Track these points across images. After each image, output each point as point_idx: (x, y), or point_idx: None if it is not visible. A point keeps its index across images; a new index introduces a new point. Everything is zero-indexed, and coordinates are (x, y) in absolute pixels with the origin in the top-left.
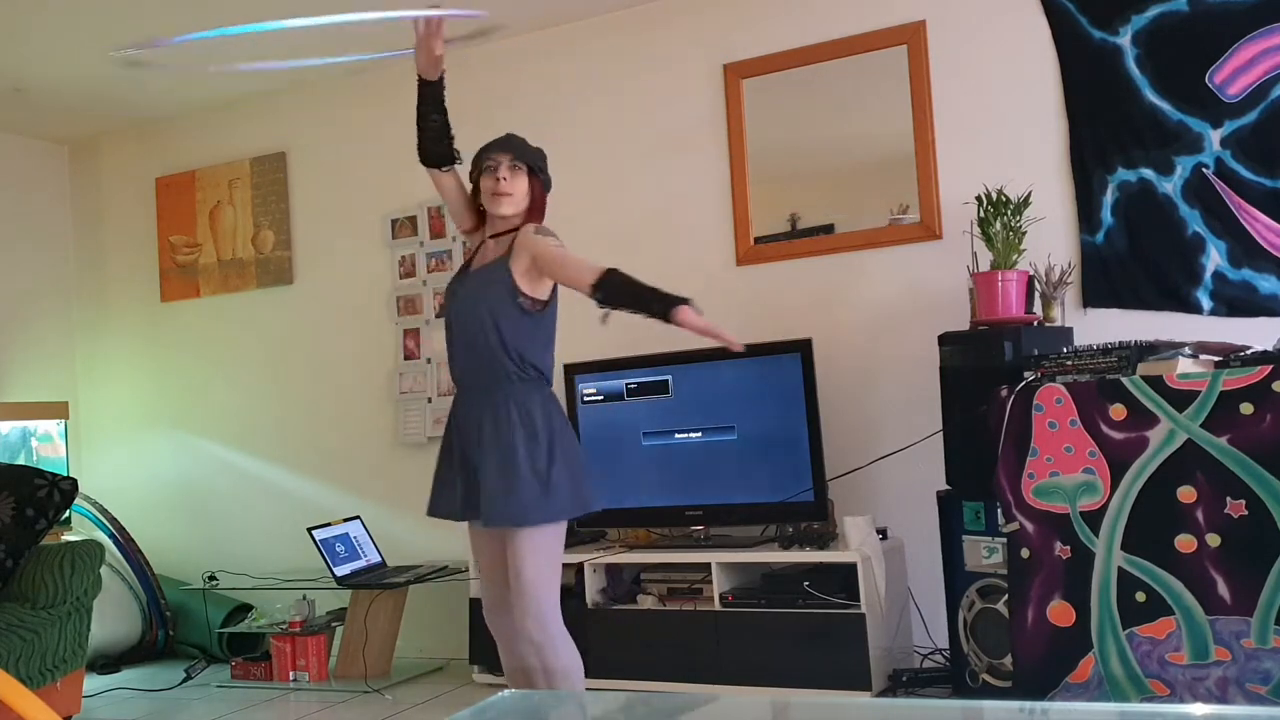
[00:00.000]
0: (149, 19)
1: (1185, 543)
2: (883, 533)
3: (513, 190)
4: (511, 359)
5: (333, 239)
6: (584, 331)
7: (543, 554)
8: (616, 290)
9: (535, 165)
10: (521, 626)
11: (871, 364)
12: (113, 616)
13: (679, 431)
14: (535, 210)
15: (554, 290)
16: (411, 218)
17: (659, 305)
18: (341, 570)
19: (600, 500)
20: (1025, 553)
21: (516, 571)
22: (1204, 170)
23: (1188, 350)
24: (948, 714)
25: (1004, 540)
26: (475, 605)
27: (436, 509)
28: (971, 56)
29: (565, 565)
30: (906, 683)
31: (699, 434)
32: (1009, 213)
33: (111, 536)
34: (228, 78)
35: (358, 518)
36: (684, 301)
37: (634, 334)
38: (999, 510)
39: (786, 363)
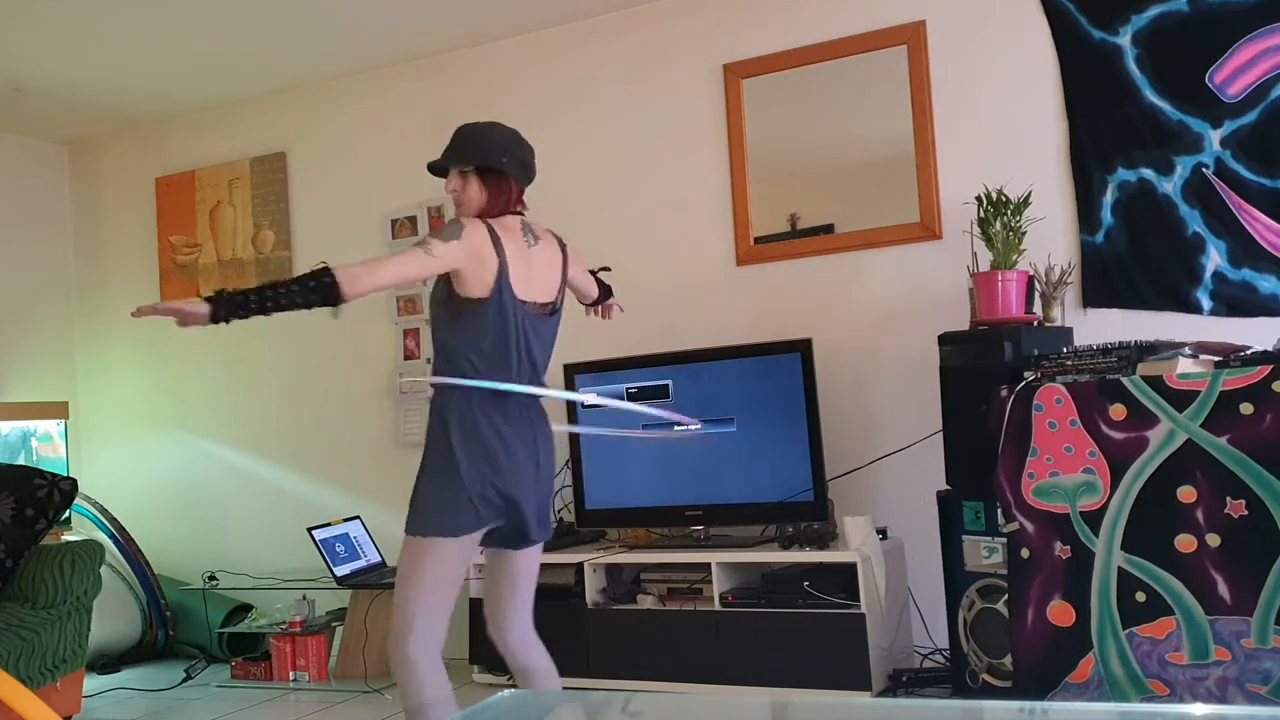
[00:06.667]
0: (148, 19)
1: (1185, 543)
2: (883, 533)
3: (464, 199)
4: (446, 360)
5: (333, 239)
6: (584, 332)
7: (409, 567)
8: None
9: (481, 164)
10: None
11: (871, 364)
12: (113, 616)
13: (678, 425)
14: (492, 206)
15: (496, 285)
16: (411, 218)
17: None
18: (341, 570)
19: (459, 524)
20: (1025, 553)
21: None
22: (1204, 170)
23: (1188, 350)
24: (948, 714)
25: (1004, 540)
26: (475, 606)
27: None
28: (971, 57)
29: (565, 565)
30: (906, 683)
31: (698, 426)
32: (1009, 213)
33: (111, 536)
34: (227, 76)
35: (358, 518)
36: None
37: (634, 334)
38: (999, 510)
39: (786, 363)
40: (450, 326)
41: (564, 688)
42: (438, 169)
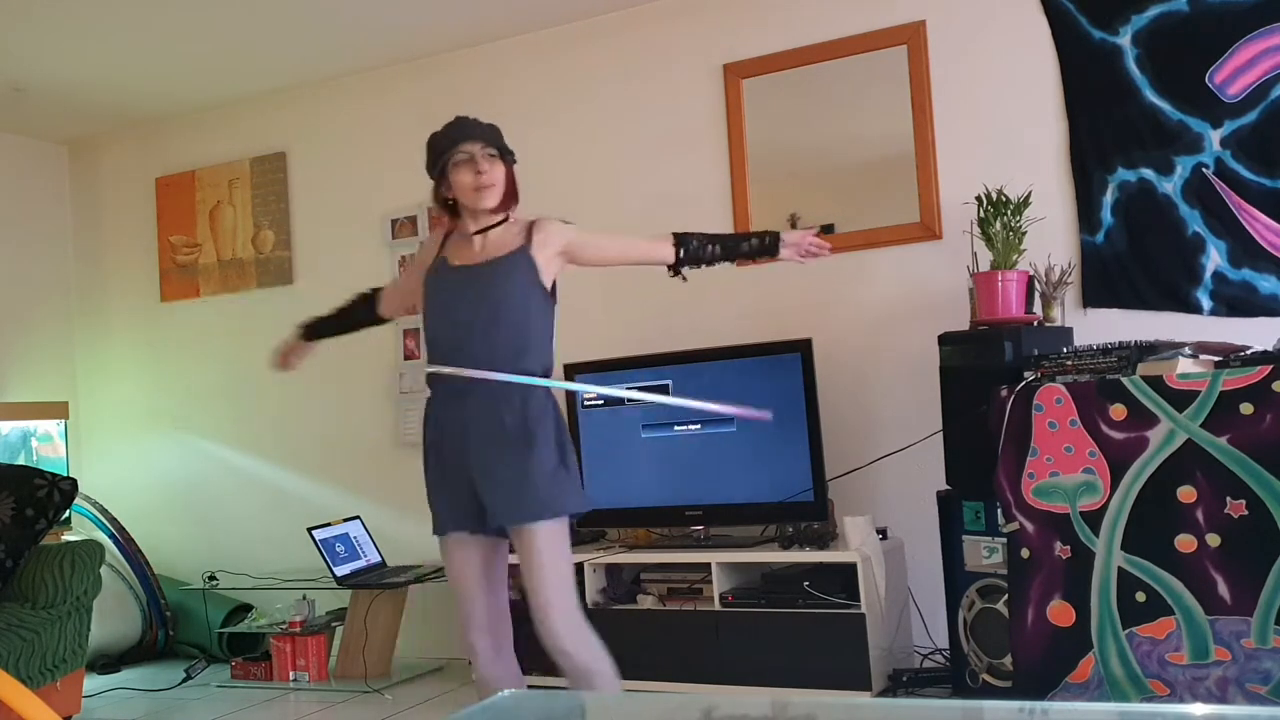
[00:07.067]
0: (148, 19)
1: (1185, 543)
2: (883, 533)
3: (495, 181)
4: (536, 354)
5: (333, 239)
6: (584, 332)
7: (560, 552)
8: (698, 251)
9: (505, 149)
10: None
11: (871, 364)
12: (113, 616)
13: (678, 424)
14: (513, 195)
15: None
16: (411, 218)
17: (753, 243)
18: (341, 570)
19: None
20: (1025, 553)
21: (537, 569)
22: (1204, 170)
23: (1188, 350)
24: (948, 714)
25: (1004, 540)
26: None
27: (448, 525)
28: (971, 57)
29: None
30: (906, 683)
31: (698, 425)
32: (1009, 213)
33: (111, 536)
34: (227, 76)
35: (358, 518)
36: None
37: (634, 334)
38: (999, 510)
39: (786, 363)
40: (542, 317)
41: (564, 688)
42: (480, 134)
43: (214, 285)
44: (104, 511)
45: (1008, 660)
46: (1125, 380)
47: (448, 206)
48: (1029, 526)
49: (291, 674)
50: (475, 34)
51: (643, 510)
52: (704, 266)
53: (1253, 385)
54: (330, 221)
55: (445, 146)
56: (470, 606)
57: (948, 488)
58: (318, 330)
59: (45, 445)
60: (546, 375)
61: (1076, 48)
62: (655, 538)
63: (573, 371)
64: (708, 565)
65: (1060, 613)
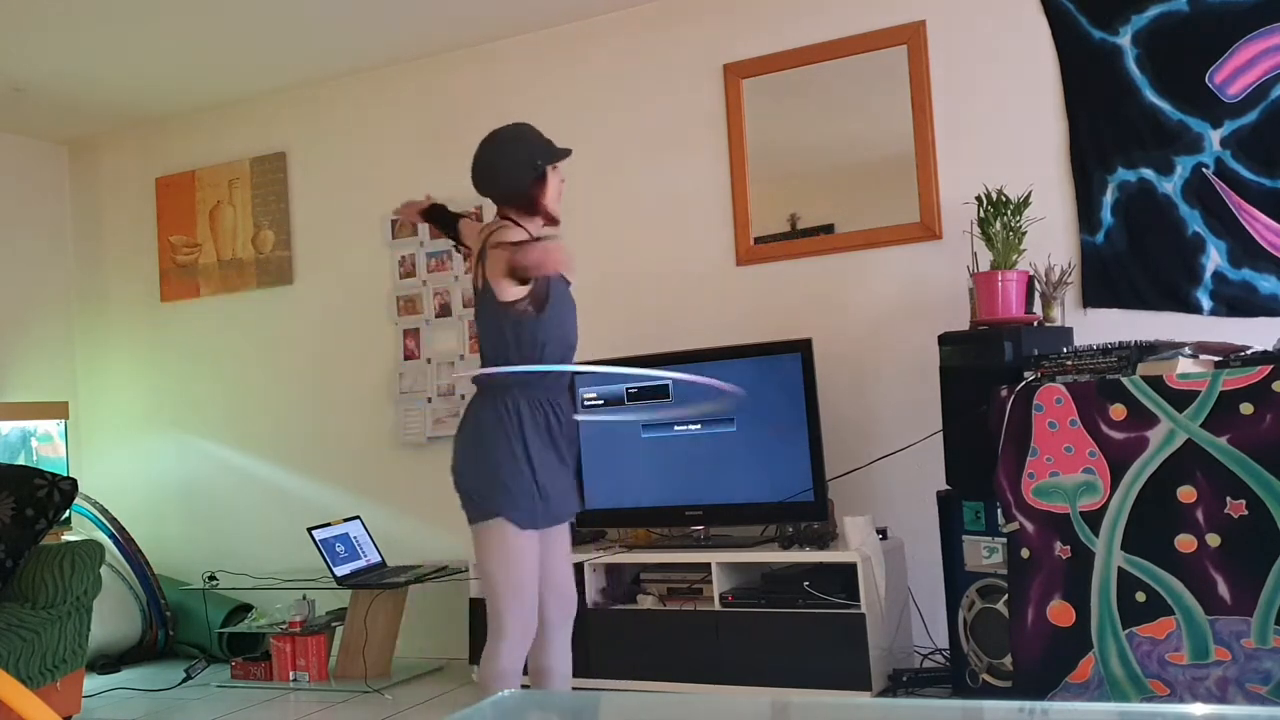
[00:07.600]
0: (148, 19)
1: (1185, 543)
2: (883, 533)
3: None
4: None
5: (333, 239)
6: (583, 332)
7: None
8: None
9: None
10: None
11: (871, 364)
12: (113, 616)
13: (678, 424)
14: None
15: None
16: None
17: None
18: (341, 570)
19: None
20: (1025, 553)
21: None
22: (1204, 170)
23: (1188, 350)
24: (948, 714)
25: (1004, 540)
26: (475, 605)
27: (562, 512)
28: (971, 56)
29: None
30: (906, 683)
31: (698, 425)
32: (1009, 213)
33: (111, 536)
34: (227, 76)
35: (358, 518)
36: None
37: (634, 334)
38: (999, 510)
39: (786, 362)
40: None
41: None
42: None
43: (214, 285)
44: (104, 511)
45: (1008, 660)
46: (1125, 380)
47: (533, 204)
48: (1029, 526)
49: (291, 674)
50: (475, 34)
51: (643, 510)
52: None
53: (1253, 385)
54: (330, 221)
55: (556, 150)
56: (534, 609)
57: (948, 488)
58: (437, 216)
59: (45, 445)
60: None
61: (1076, 48)
62: (655, 538)
63: (572, 372)
64: (708, 565)
65: (1060, 613)
